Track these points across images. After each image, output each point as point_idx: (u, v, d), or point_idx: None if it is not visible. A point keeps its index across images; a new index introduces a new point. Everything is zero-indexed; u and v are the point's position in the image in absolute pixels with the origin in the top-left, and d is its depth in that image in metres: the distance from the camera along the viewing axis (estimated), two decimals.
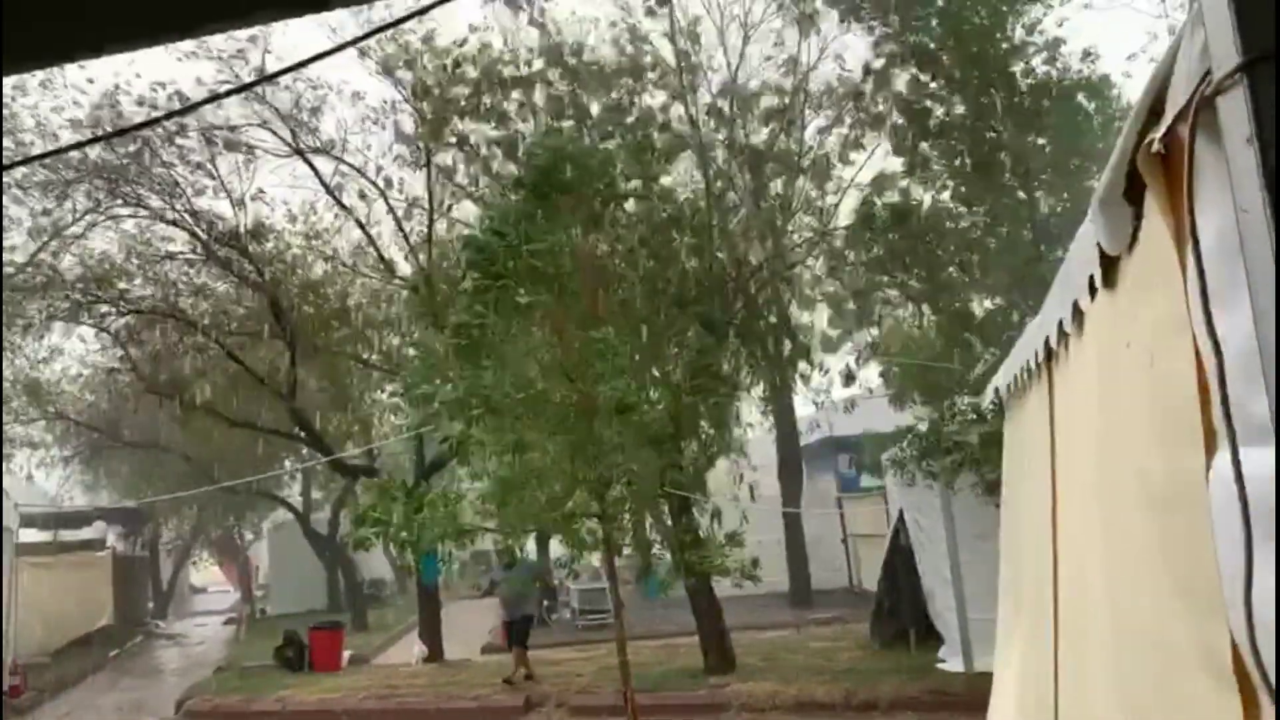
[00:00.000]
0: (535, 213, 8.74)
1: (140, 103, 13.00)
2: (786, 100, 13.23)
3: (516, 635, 12.25)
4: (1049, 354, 3.18)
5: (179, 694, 12.70)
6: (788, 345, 14.03)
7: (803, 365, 14.43)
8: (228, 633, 21.86)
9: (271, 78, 14.31)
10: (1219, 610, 1.63)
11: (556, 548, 15.48)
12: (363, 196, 14.71)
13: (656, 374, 11.01)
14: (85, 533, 20.42)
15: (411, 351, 14.34)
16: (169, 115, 12.33)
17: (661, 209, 11.91)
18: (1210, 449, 1.68)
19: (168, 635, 22.46)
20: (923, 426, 11.20)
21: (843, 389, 15.75)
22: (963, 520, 9.91)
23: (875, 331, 16.95)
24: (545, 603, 18.70)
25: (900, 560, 11.41)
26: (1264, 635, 1.42)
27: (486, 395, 9.37)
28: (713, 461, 13.00)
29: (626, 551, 11.04)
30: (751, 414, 17.35)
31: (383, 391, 18.43)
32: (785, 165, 13.43)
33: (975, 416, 10.23)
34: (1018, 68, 13.02)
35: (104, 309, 14.99)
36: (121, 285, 14.90)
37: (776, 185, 13.59)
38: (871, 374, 18.69)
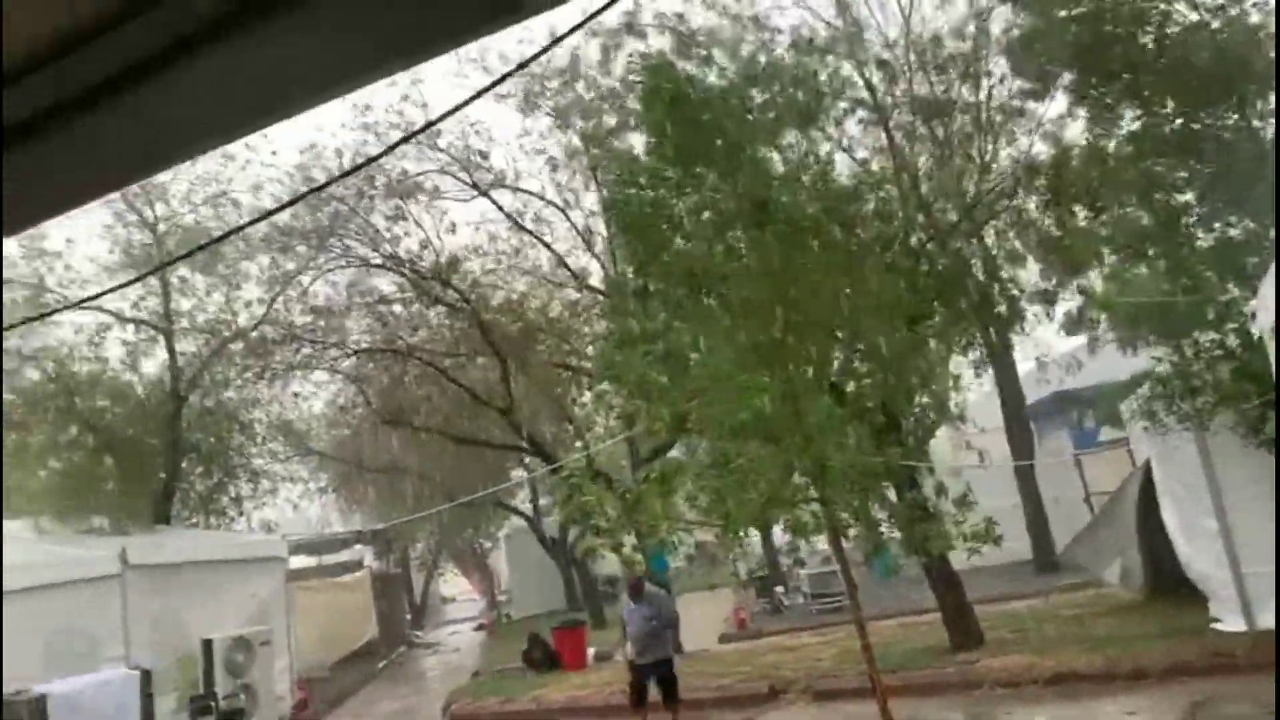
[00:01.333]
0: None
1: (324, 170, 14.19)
2: (966, 46, 12.55)
3: (664, 688, 9.35)
4: None
5: (443, 699, 13.60)
6: (1000, 302, 13.31)
7: (1019, 320, 13.66)
8: (479, 638, 23.23)
9: (435, 123, 15.06)
10: None
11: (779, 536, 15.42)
12: (538, 219, 15.34)
13: (861, 347, 10.71)
14: (345, 555, 22.28)
15: (614, 355, 14.70)
16: (353, 170, 13.27)
17: (839, 175, 11.59)
18: None
19: (426, 645, 24.12)
20: (1163, 368, 10.31)
21: (1066, 340, 14.77)
22: (1224, 466, 9.04)
23: (1093, 275, 15.76)
24: (778, 588, 18.67)
25: (1143, 513, 10.59)
26: None
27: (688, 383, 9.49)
28: (933, 430, 12.53)
29: (853, 532, 10.82)
30: (968, 376, 16.58)
31: (588, 391, 19.01)
32: (970, 115, 12.75)
33: (1221, 352, 9.33)
34: None
35: (333, 352, 16.32)
36: (346, 328, 16.18)
37: (962, 137, 12.93)
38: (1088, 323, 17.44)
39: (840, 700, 9.33)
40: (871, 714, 7.71)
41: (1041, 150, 12.51)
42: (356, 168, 13.20)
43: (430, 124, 12.97)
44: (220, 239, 13.00)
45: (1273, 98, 11.99)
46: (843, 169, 11.69)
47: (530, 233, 15.30)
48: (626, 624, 9.58)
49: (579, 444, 19.06)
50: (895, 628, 12.10)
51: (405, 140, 12.71)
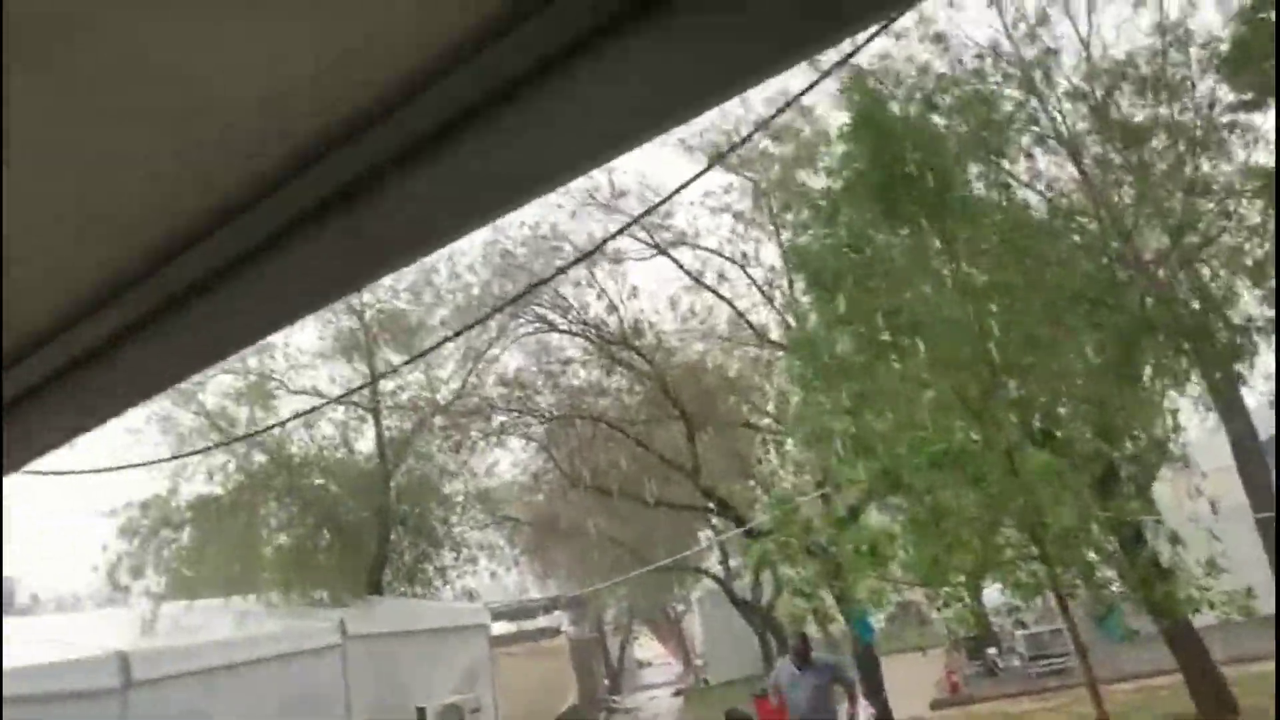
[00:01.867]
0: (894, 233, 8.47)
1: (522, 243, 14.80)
2: (1160, 64, 11.80)
3: None
4: None
5: None
6: (1222, 333, 12.22)
7: (1244, 352, 12.46)
8: (676, 704, 23.01)
9: (668, 198, 15.51)
10: None
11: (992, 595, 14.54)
12: (722, 278, 15.40)
13: (1067, 391, 10.06)
14: (543, 621, 22.69)
15: (798, 410, 14.47)
16: (577, 261, 13.80)
17: (1034, 207, 11.03)
18: None
19: (625, 710, 24.09)
20: None
21: None
22: None
23: None
24: (991, 650, 17.57)
25: None
26: None
27: (878, 441, 9.14)
28: (1153, 475, 11.58)
29: (1080, 593, 10.05)
30: (1188, 415, 15.26)
31: (777, 450, 18.73)
32: (1172, 135, 11.91)
33: None
34: None
35: (528, 421, 16.86)
36: (535, 397, 16.70)
37: (1167, 160, 12.07)
38: None
39: None
40: None
41: (1264, 162, 11.51)
42: (578, 260, 13.73)
43: (662, 201, 13.35)
44: (443, 341, 13.72)
45: None
46: (1035, 202, 11.14)
47: (711, 290, 15.42)
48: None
49: (764, 499, 18.78)
50: (1130, 692, 11.09)
51: (634, 222, 13.14)
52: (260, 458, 15.17)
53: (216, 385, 15.62)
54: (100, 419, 2.10)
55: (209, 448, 14.20)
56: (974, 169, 10.03)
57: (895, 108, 9.80)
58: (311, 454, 15.67)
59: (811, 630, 25.92)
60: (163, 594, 13.40)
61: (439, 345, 14.33)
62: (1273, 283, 12.41)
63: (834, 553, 13.77)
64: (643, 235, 15.13)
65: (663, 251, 15.16)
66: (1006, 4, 12.17)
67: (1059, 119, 11.97)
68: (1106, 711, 7.45)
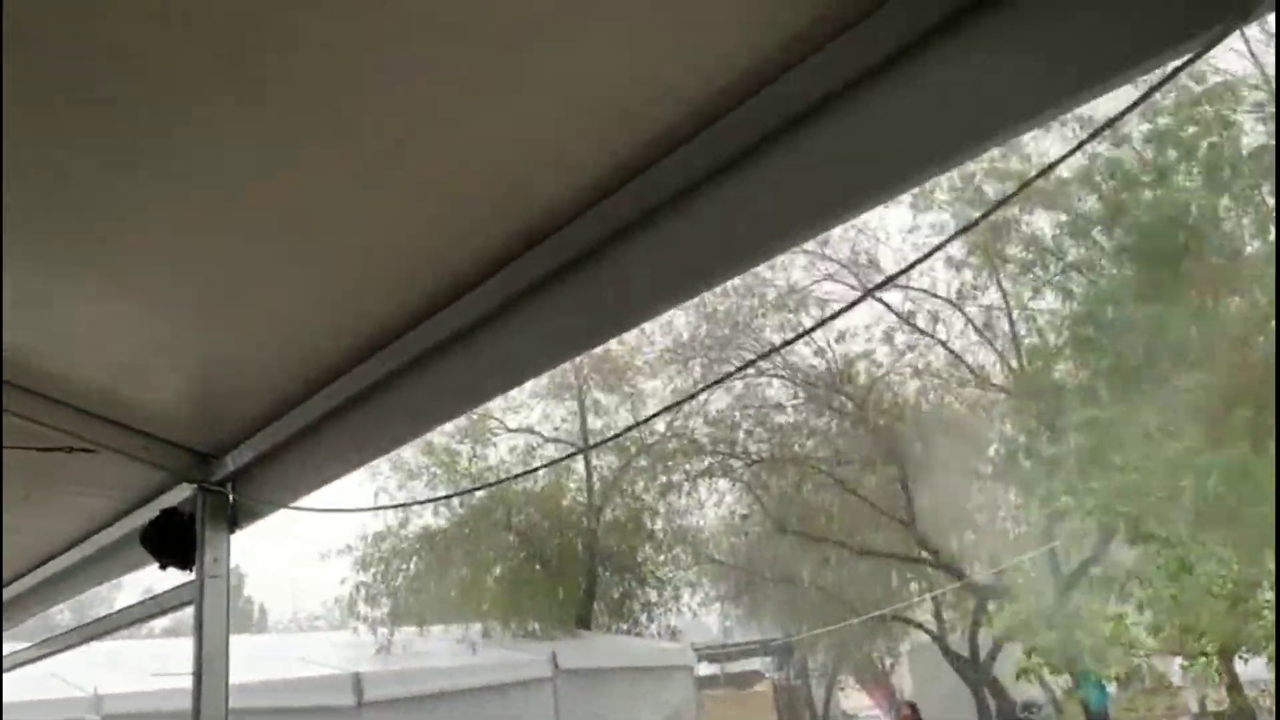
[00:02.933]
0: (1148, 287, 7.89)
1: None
2: None
3: None
4: None
5: None
6: None
7: None
8: None
9: (891, 279, 15.27)
10: None
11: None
12: (936, 319, 14.82)
13: None
14: (746, 665, 22.39)
15: (1023, 458, 13.64)
16: (815, 327, 13.78)
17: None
18: None
19: None
20: None
21: None
22: None
23: None
24: None
25: None
26: None
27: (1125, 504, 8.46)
28: None
29: None
30: None
31: (999, 503, 17.74)
32: None
33: None
34: None
35: (734, 463, 16.82)
36: (743, 439, 16.65)
37: None
38: None
39: None
40: None
41: None
42: (819, 325, 13.73)
43: (909, 267, 13.23)
44: (694, 394, 14.01)
45: None
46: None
47: (923, 332, 14.87)
48: None
49: (990, 557, 17.78)
50: None
51: (869, 294, 13.06)
52: (480, 493, 15.95)
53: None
54: (366, 458, 2.26)
55: (471, 490, 15.12)
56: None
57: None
58: (529, 490, 16.32)
59: (1036, 691, 24.22)
60: (393, 621, 14.26)
61: (691, 397, 14.66)
62: None
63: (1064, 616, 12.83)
64: (851, 280, 14.86)
65: (872, 295, 14.80)
66: None
67: None
68: None
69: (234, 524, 2.54)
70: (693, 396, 16.00)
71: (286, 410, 2.19)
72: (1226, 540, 7.79)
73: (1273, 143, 9.38)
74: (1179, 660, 15.54)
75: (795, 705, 24.67)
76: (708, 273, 1.42)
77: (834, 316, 13.97)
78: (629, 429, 15.70)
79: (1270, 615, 7.92)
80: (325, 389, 2.05)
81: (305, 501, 2.43)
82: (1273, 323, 8.94)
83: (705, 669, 19.75)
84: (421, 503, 15.22)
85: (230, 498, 2.51)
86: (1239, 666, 16.80)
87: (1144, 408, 8.22)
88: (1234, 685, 17.49)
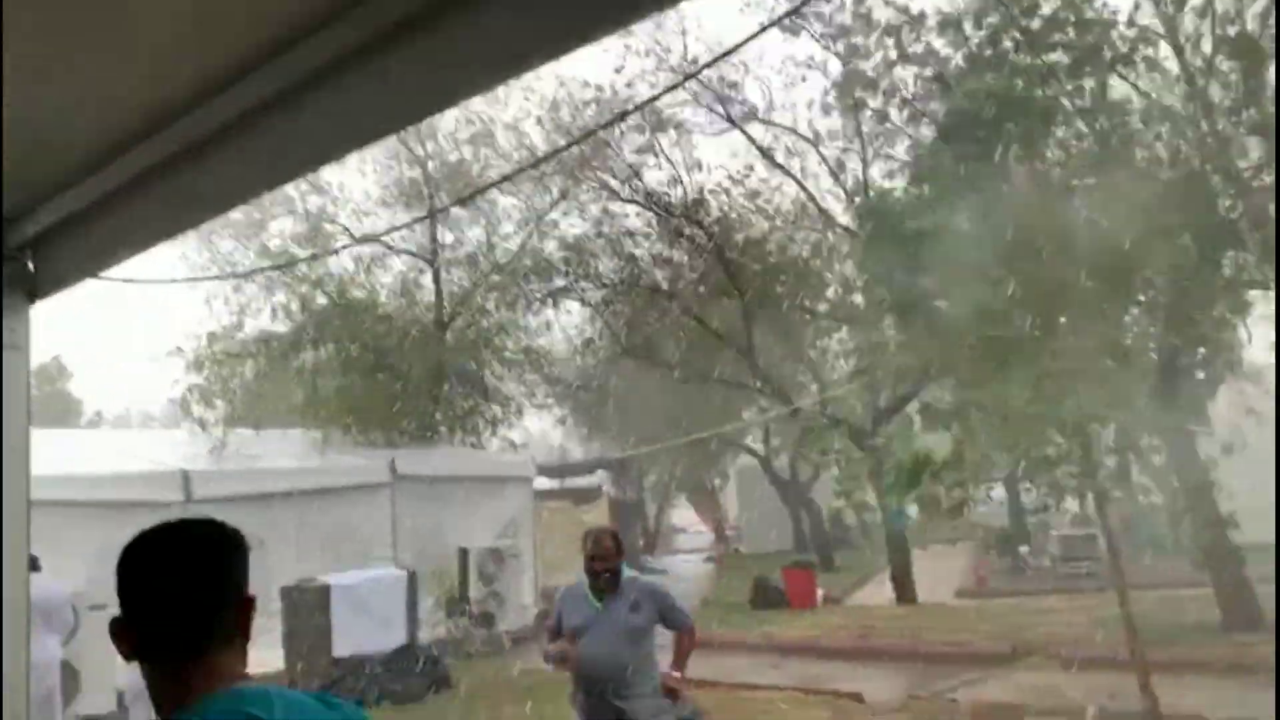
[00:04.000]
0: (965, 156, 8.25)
1: (590, 101, 14.47)
2: None
3: None
4: None
5: None
6: None
7: None
8: (707, 570, 23.77)
9: (709, 65, 15.00)
10: None
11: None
12: (791, 154, 15.01)
13: (1141, 299, 9.83)
14: (585, 481, 23.36)
15: (859, 299, 14.36)
16: (623, 115, 13.50)
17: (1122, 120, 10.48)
18: None
19: (658, 570, 24.97)
20: None
21: None
22: None
23: None
24: (1023, 548, 17.80)
25: None
26: None
27: (941, 339, 9.11)
28: (1214, 389, 11.37)
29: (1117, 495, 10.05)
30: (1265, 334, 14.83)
31: (830, 339, 18.70)
32: None
33: None
34: None
35: (583, 285, 16.95)
36: (595, 263, 16.73)
37: None
38: None
39: (1092, 669, 8.75)
40: (1128, 687, 7.20)
41: None
42: (622, 115, 13.45)
43: (714, 60, 12.91)
44: (496, 182, 13.73)
45: None
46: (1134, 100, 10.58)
47: (782, 168, 15.05)
48: (563, 625, 4.60)
49: (818, 390, 18.86)
50: (1156, 600, 11.20)
51: (679, 85, 12.78)
52: (322, 300, 15.55)
53: (279, 228, 15.93)
54: (174, 229, 2.18)
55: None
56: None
57: None
58: (372, 300, 16.01)
59: (848, 516, 26.40)
60: (228, 423, 14.04)
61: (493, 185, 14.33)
62: None
63: (879, 444, 13.90)
64: (717, 107, 14.74)
65: (735, 124, 14.79)
66: None
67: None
68: (1132, 613, 7.56)
69: (35, 294, 2.43)
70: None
71: (89, 174, 2.07)
72: (1024, 379, 8.51)
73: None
74: (971, 488, 17.23)
75: (629, 519, 26.06)
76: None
77: (650, 100, 13.80)
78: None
79: (1053, 453, 8.77)
80: (130, 152, 1.95)
81: (113, 273, 2.34)
82: None
83: (546, 483, 20.45)
84: (236, 276, 14.65)
85: (30, 265, 2.38)
86: (1022, 496, 18.77)
87: (969, 256, 8.73)
88: (1016, 511, 19.60)
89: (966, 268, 8.75)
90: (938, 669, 9.64)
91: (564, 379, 22.05)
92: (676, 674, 4.55)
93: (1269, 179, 11.30)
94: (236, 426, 13.95)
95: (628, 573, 4.62)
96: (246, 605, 1.31)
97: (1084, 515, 15.30)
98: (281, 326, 15.49)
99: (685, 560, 27.17)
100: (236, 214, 15.08)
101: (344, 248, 15.59)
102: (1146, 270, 9.56)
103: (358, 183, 19.86)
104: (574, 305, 18.23)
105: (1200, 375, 11.27)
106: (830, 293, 17.26)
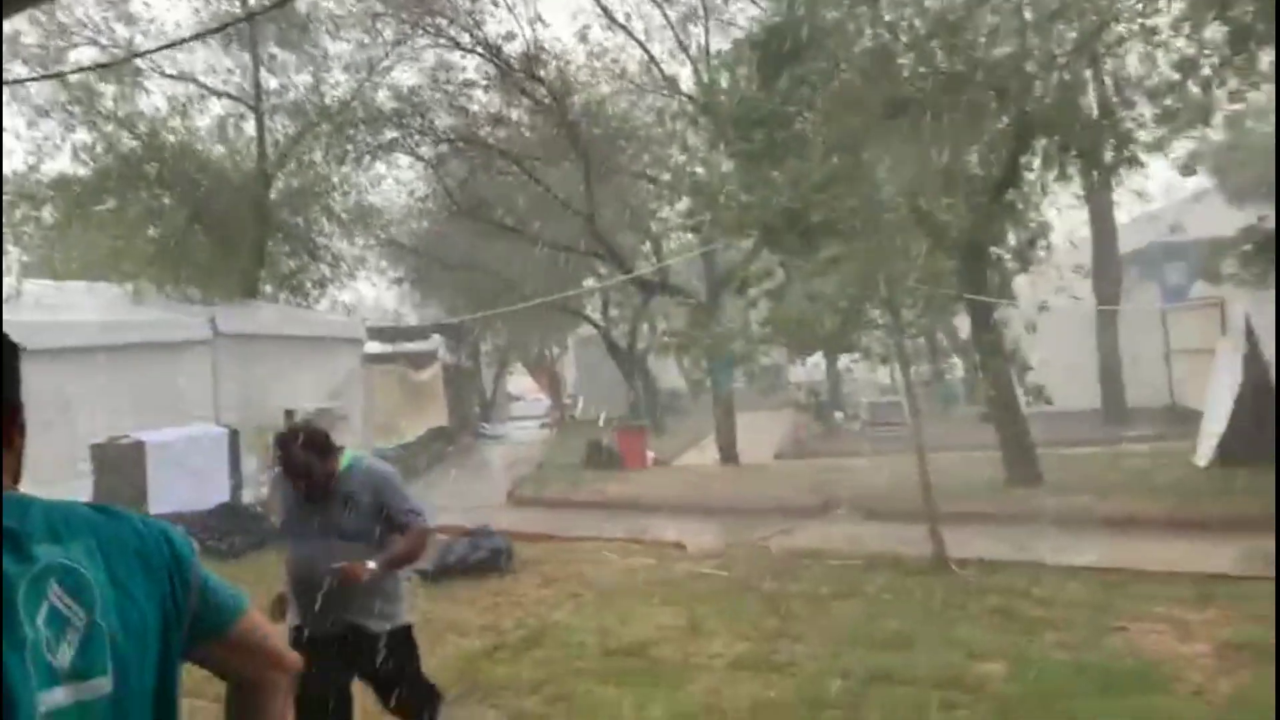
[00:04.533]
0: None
1: None
2: None
3: (379, 690, 3.93)
4: None
5: (508, 485, 14.29)
6: (1109, 142, 12.53)
7: (1125, 164, 12.90)
8: (544, 435, 24.19)
9: None
10: None
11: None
12: (635, 16, 14.70)
13: (955, 174, 10.30)
14: (420, 345, 23.00)
15: (699, 169, 14.41)
16: None
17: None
18: None
19: (493, 436, 25.19)
20: (1270, 224, 9.76)
21: (1171, 187, 14.04)
22: None
23: (1214, 123, 14.66)
24: (838, 413, 18.95)
25: (1251, 375, 10.28)
26: None
27: (771, 208, 9.33)
28: (1022, 268, 12.22)
29: (924, 369, 10.80)
30: (1063, 219, 15.98)
31: (671, 207, 18.80)
32: None
33: None
34: None
35: (416, 139, 16.23)
36: (430, 116, 16.00)
37: None
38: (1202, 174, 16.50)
39: (891, 520, 9.55)
40: (920, 536, 7.92)
41: None
42: None
43: None
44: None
45: None
46: None
47: (624, 28, 14.70)
48: (276, 511, 4.12)
49: (658, 259, 19.04)
50: (955, 460, 12.21)
51: None
52: (132, 143, 14.27)
53: (79, 57, 14.38)
54: None
55: None
56: None
57: None
58: (187, 145, 14.82)
59: (674, 379, 27.14)
60: (23, 271, 12.91)
61: None
62: None
63: (713, 314, 14.27)
64: None
65: None
66: None
67: None
68: (927, 469, 8.26)
69: None
70: None
71: None
72: (849, 256, 8.85)
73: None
74: (798, 360, 18.10)
75: (464, 385, 25.97)
76: None
77: None
78: None
79: (867, 322, 9.23)
80: None
81: None
82: None
83: (378, 348, 20.00)
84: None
85: None
86: (839, 364, 19.83)
87: (797, 135, 8.91)
88: (833, 379, 20.73)
89: (794, 145, 8.95)
90: (754, 521, 10.26)
91: (398, 240, 21.37)
92: (371, 565, 3.54)
93: (1083, 69, 11.95)
94: (34, 276, 12.85)
95: (352, 456, 3.77)
96: (12, 414, 1.21)
97: (894, 385, 16.42)
98: (85, 170, 14.17)
99: (522, 427, 27.51)
100: (31, 38, 13.52)
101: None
102: (965, 152, 10.05)
103: (170, 15, 18.10)
104: (407, 161, 17.52)
105: (1008, 256, 12.11)
106: (673, 162, 17.25)
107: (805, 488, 12.11)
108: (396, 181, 19.77)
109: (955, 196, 9.99)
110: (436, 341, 22.90)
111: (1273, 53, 11.45)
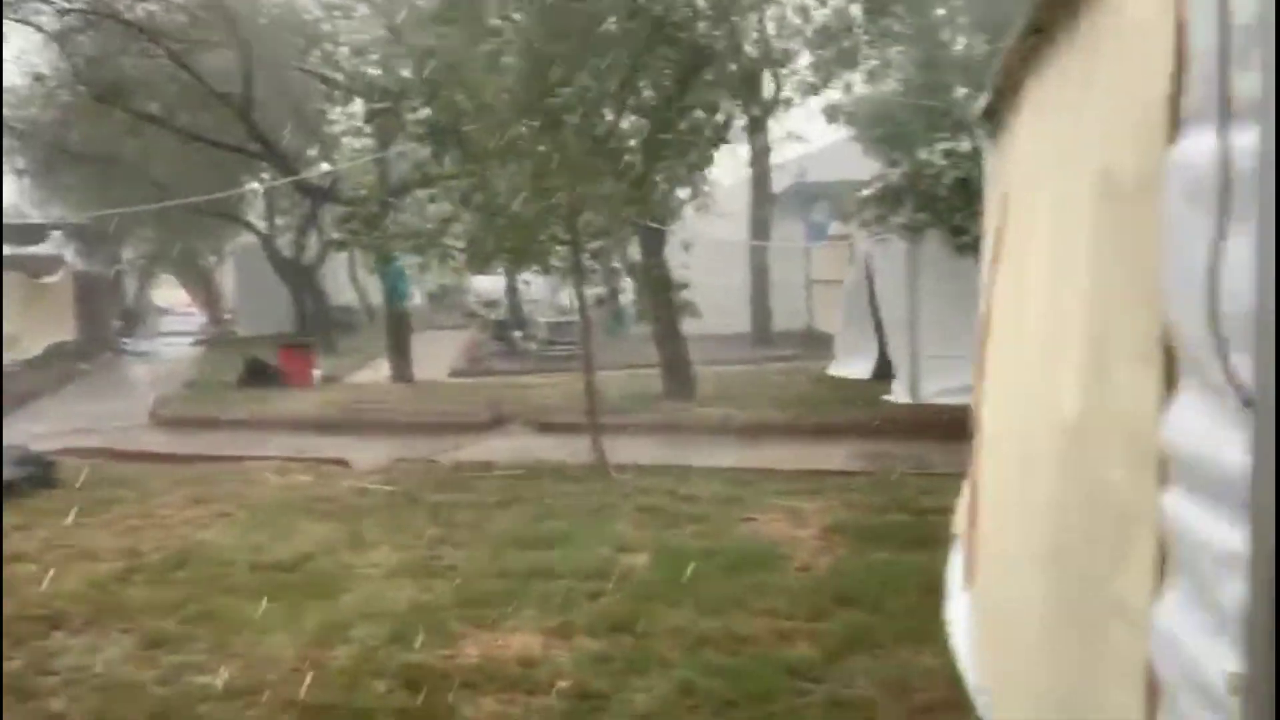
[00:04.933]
0: None
1: None
2: None
3: None
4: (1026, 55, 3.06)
5: (149, 405, 13.04)
6: (768, 83, 13.58)
7: (780, 106, 14.07)
8: (197, 353, 22.25)
9: None
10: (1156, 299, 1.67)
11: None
12: None
13: (631, 102, 10.65)
14: (42, 249, 20.16)
15: (376, 72, 13.66)
16: None
17: None
18: (1175, 136, 1.66)
19: (138, 353, 22.81)
20: (894, 176, 11.09)
21: (816, 132, 15.53)
22: (927, 265, 10.06)
23: (856, 76, 16.36)
24: (516, 333, 19.21)
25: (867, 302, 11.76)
26: (1231, 304, 1.42)
27: (452, 119, 9.15)
28: (691, 199, 12.96)
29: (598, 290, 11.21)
30: (724, 156, 17.08)
31: (343, 110, 17.75)
32: None
33: (948, 162, 10.08)
34: None
35: (38, 6, 13.97)
36: None
37: None
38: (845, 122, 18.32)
39: (559, 433, 9.93)
40: (585, 447, 8.34)
41: None
42: None
43: None
44: None
45: None
46: None
47: None
48: None
49: (327, 163, 17.99)
50: (622, 377, 12.88)
51: None
52: None
53: None
54: None
55: None
56: None
57: None
58: None
59: (351, 296, 26.15)
60: None
61: None
62: None
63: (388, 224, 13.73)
64: None
65: None
66: None
67: None
68: (593, 384, 8.68)
69: None
70: None
71: None
72: (524, 171, 8.91)
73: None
74: (472, 272, 18.03)
75: (98, 296, 23.16)
76: None
77: None
78: None
79: (546, 238, 9.38)
80: None
81: None
82: None
83: None
84: None
85: None
86: (518, 283, 20.05)
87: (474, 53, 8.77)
88: (515, 302, 20.95)
89: (470, 67, 8.83)
90: (424, 438, 10.21)
91: (14, 124, 18.40)
92: None
93: (746, 15, 12.75)
94: None
95: None
96: None
97: (572, 307, 16.90)
98: None
99: (172, 344, 25.12)
100: None
101: None
102: (639, 81, 10.38)
103: None
104: (27, 32, 15.03)
105: (677, 186, 12.80)
106: (346, 63, 16.22)
107: (479, 404, 12.22)
108: (15, 59, 16.91)
109: (625, 123, 10.35)
110: (60, 241, 20.14)
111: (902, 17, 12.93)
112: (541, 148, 8.79)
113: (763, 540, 5.85)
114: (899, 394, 10.54)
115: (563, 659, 4.19)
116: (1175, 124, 1.66)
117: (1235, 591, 1.31)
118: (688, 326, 11.76)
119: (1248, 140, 1.33)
